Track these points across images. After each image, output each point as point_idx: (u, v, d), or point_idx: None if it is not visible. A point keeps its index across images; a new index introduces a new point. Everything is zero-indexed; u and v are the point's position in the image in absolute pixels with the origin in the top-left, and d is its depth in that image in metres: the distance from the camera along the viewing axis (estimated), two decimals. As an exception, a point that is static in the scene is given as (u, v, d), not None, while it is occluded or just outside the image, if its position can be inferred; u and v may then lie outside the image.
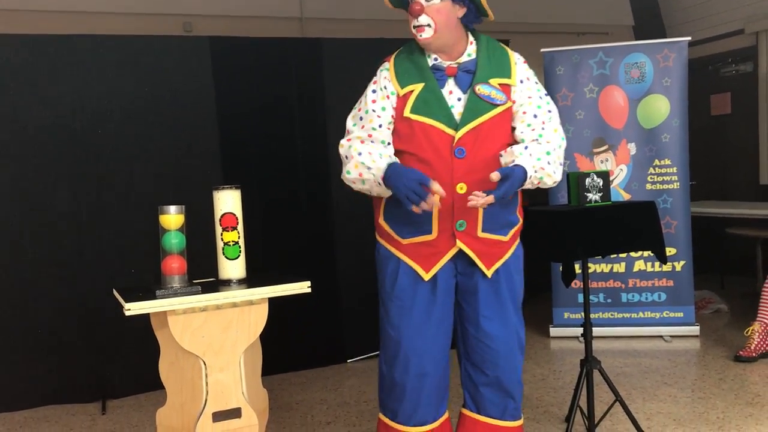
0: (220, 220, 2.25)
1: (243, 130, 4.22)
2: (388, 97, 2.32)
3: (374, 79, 2.38)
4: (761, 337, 4.18)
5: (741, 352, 4.18)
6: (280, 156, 4.28)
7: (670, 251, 4.69)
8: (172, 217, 2.17)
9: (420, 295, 2.37)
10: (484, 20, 2.39)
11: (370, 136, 2.31)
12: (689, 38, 4.87)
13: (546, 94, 2.41)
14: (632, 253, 4.77)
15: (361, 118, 2.36)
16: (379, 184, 2.24)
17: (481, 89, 2.28)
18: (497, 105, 2.28)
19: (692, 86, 4.99)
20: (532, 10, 6.79)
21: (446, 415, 2.51)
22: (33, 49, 3.78)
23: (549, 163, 2.27)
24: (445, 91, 2.30)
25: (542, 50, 4.94)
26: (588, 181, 3.05)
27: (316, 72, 4.34)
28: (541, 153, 2.26)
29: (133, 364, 3.95)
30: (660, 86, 4.76)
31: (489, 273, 2.36)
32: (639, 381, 3.92)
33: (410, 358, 2.37)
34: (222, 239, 2.25)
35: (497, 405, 2.46)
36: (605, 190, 3.08)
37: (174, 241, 2.17)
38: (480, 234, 2.32)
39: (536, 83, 2.39)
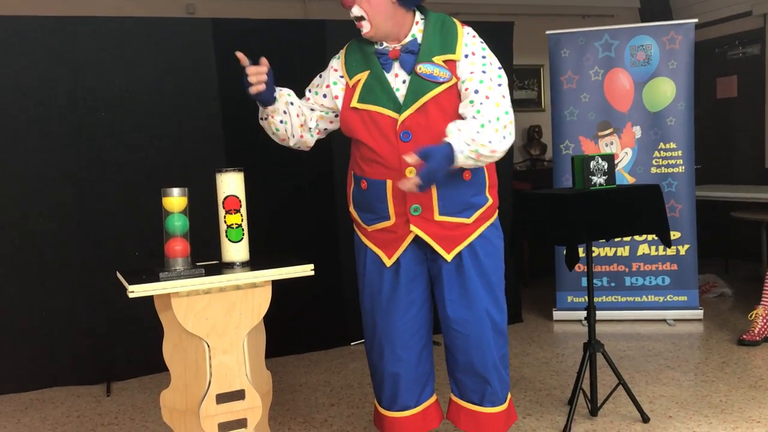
0: (223, 203, 2.24)
1: (246, 114, 4.18)
2: (328, 86, 2.38)
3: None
4: (765, 321, 4.17)
5: (744, 336, 4.18)
6: (284, 139, 4.27)
7: (674, 235, 4.68)
8: (176, 200, 2.16)
9: (386, 281, 2.38)
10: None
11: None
12: (696, 20, 4.83)
13: (498, 67, 2.26)
14: (636, 237, 4.76)
15: (308, 89, 2.48)
16: (264, 118, 2.42)
17: (423, 68, 2.22)
18: (441, 83, 2.21)
19: (698, 69, 4.95)
20: (537, -8, 6.74)
21: (432, 399, 2.51)
22: (33, 30, 3.76)
23: (479, 133, 2.10)
24: (391, 75, 2.27)
25: (547, 32, 4.91)
26: (593, 164, 3.03)
27: (320, 54, 4.29)
28: (473, 127, 2.12)
29: (137, 346, 3.97)
30: (666, 69, 4.72)
31: (449, 257, 2.32)
32: (642, 364, 3.93)
33: (383, 344, 2.40)
34: (225, 222, 2.24)
35: (475, 390, 2.43)
36: (610, 173, 3.06)
37: (177, 223, 2.16)
38: (437, 217, 2.28)
39: (484, 57, 2.25)
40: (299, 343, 4.37)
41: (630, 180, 4.80)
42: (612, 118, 4.82)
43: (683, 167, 4.77)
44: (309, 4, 5.98)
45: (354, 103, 2.29)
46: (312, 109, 2.46)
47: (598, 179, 3.04)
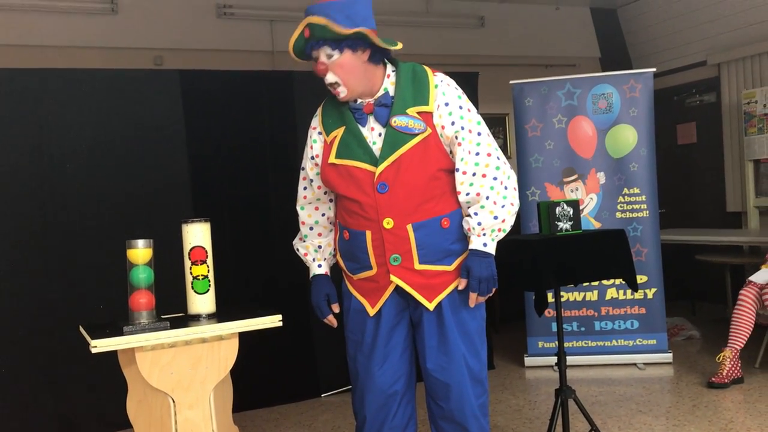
0: (189, 254, 2.22)
1: (214, 164, 4.20)
2: (311, 147, 2.42)
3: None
4: (732, 362, 4.21)
5: (713, 379, 4.20)
6: (252, 189, 4.27)
7: (641, 279, 4.73)
8: (140, 252, 2.14)
9: (368, 330, 2.39)
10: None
11: (312, 208, 2.51)
12: (654, 69, 4.98)
13: (476, 113, 2.32)
14: (604, 281, 4.80)
15: (302, 168, 2.50)
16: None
17: (397, 121, 2.26)
18: (416, 134, 2.25)
19: (658, 116, 5.09)
20: (501, 43, 6.91)
21: None
22: (-1, 83, 3.74)
23: (497, 217, 2.26)
24: (366, 129, 2.30)
25: (511, 82, 5.01)
26: (558, 210, 3.07)
27: (288, 105, 4.35)
28: (487, 218, 2.26)
29: (99, 403, 3.85)
30: (627, 116, 4.84)
31: (431, 306, 2.32)
32: (614, 409, 3.92)
33: (364, 391, 2.40)
34: (191, 273, 2.22)
35: None
36: (576, 218, 3.10)
37: (142, 275, 2.13)
38: (417, 266, 2.29)
39: (461, 107, 2.28)
40: (268, 396, 4.29)
41: (596, 225, 4.87)
42: (576, 165, 4.91)
43: (648, 211, 4.86)
44: (277, 56, 6.04)
45: (332, 159, 2.32)
46: (325, 193, 2.49)
47: (564, 225, 3.08)
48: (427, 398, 2.45)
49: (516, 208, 2.33)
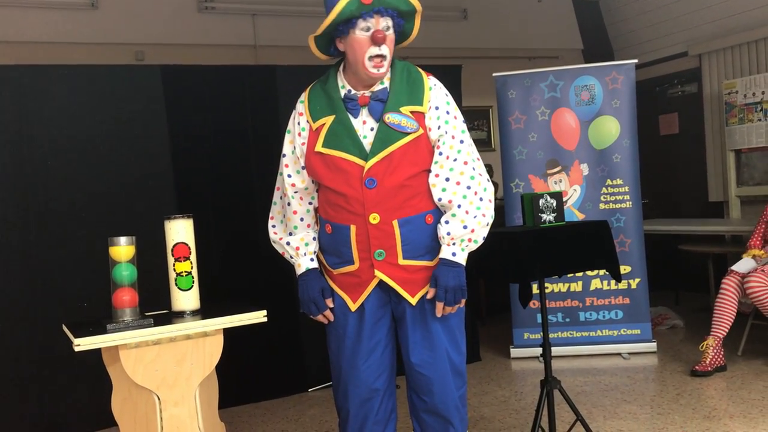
0: (172, 251, 2.21)
1: (197, 159, 4.18)
2: (299, 134, 2.33)
3: (292, 114, 2.39)
4: (715, 351, 4.25)
5: (697, 367, 4.25)
6: (235, 184, 4.24)
7: (624, 269, 4.76)
8: (123, 249, 2.12)
9: (350, 325, 2.37)
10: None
11: (288, 200, 2.40)
12: (636, 61, 5.01)
13: (462, 121, 2.36)
14: (588, 272, 4.83)
15: (284, 155, 2.41)
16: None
17: (391, 118, 2.25)
18: (408, 133, 2.25)
19: (641, 107, 5.12)
20: (483, 36, 6.92)
21: None
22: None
23: (466, 227, 2.23)
24: (358, 122, 2.28)
25: (494, 74, 5.02)
26: (542, 202, 3.08)
27: (271, 99, 4.33)
28: (457, 228, 2.24)
29: (85, 401, 3.83)
30: (610, 108, 4.87)
31: (413, 300, 2.33)
32: (599, 399, 3.95)
33: (348, 386, 2.39)
34: (174, 270, 2.21)
35: (437, 431, 2.42)
36: (559, 210, 3.11)
37: (125, 273, 2.12)
38: (401, 261, 2.29)
39: (448, 113, 2.31)
40: (254, 392, 4.28)
41: (579, 216, 4.89)
42: (560, 157, 4.93)
43: (631, 202, 4.89)
44: (260, 50, 6.02)
45: (318, 148, 2.28)
46: (313, 182, 2.40)
47: (548, 216, 3.09)
48: (409, 392, 2.45)
49: (489, 220, 2.30)
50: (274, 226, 2.48)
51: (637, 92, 4.91)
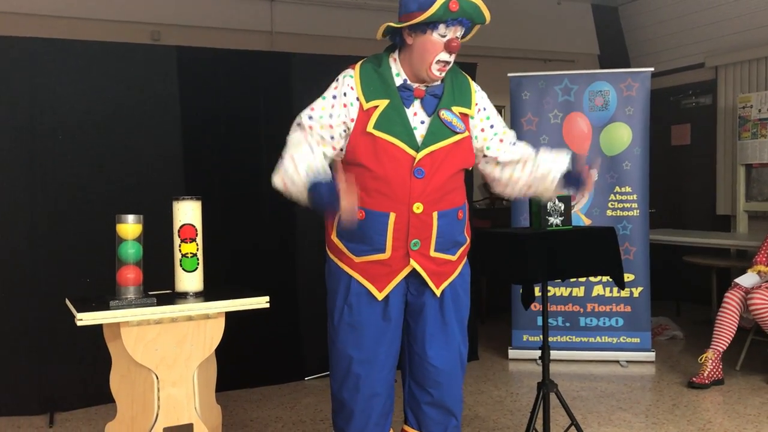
0: (178, 232, 2.21)
1: (207, 141, 4.18)
2: (345, 105, 2.26)
3: (334, 84, 2.32)
4: (714, 364, 4.25)
5: (694, 379, 4.24)
6: (245, 168, 4.24)
7: (628, 277, 4.75)
8: (130, 227, 2.13)
9: (373, 315, 2.34)
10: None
11: (316, 143, 2.27)
12: (652, 69, 4.98)
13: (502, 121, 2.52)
14: (591, 278, 4.82)
15: (310, 117, 2.29)
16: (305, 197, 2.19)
17: (445, 115, 2.31)
18: (457, 132, 2.32)
19: (654, 116, 5.09)
20: (500, 35, 6.88)
21: None
22: (-6, 50, 3.71)
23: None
24: (410, 112, 2.30)
25: (509, 75, 5.01)
26: (550, 205, 3.07)
27: (284, 86, 4.33)
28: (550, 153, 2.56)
29: (83, 376, 3.85)
30: (623, 115, 4.85)
31: (438, 292, 2.37)
32: (594, 405, 3.95)
33: (360, 379, 2.35)
34: (180, 251, 2.21)
35: (439, 423, 2.45)
36: (566, 214, 3.11)
37: (130, 251, 2.13)
38: (432, 253, 2.33)
39: (494, 114, 2.48)
40: (252, 377, 4.29)
41: (586, 222, 4.88)
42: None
43: (638, 211, 4.87)
44: (276, 36, 6.01)
45: (370, 129, 2.24)
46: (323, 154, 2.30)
47: (555, 220, 3.08)
48: (411, 385, 2.46)
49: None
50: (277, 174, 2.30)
51: (651, 101, 4.89)
